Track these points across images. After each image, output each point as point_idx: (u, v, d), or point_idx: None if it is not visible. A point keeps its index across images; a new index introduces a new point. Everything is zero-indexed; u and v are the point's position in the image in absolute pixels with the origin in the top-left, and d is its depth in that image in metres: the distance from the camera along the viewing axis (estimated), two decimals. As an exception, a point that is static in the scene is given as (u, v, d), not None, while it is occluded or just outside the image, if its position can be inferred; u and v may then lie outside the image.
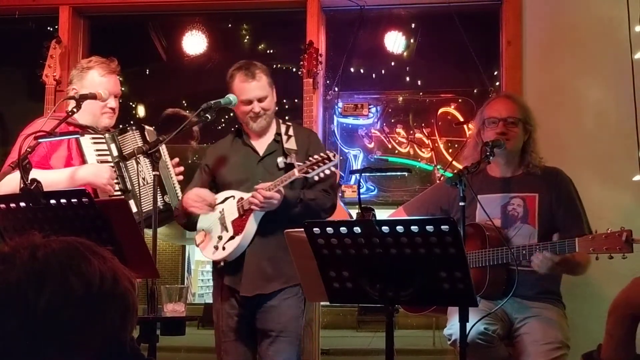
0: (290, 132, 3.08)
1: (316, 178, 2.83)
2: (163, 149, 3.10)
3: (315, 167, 2.79)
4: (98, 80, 3.01)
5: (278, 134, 3.09)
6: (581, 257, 2.78)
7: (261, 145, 3.09)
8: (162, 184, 3.03)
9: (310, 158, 2.81)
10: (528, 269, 2.82)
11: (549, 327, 2.79)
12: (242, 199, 2.94)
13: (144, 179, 2.98)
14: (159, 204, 2.89)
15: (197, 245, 3.09)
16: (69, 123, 2.88)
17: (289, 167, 2.91)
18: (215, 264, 3.06)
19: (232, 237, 2.96)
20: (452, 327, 2.72)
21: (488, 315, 2.61)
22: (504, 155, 2.95)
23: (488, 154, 2.77)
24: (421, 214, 3.10)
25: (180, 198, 3.11)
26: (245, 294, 2.96)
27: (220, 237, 2.99)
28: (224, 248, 2.96)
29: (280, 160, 2.98)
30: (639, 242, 2.56)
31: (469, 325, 2.29)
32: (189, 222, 3.08)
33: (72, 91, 3.00)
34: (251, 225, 2.93)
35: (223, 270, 3.00)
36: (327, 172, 2.81)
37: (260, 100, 3.02)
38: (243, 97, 3.02)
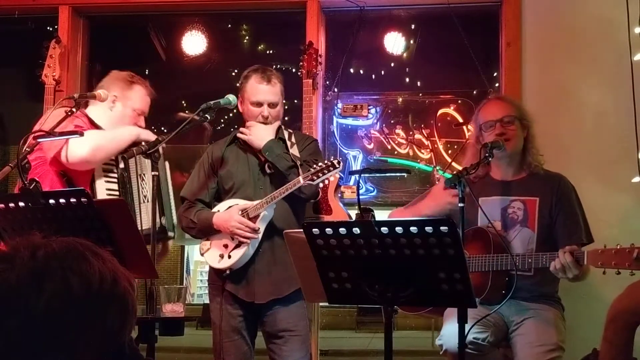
0: (293, 139, 3.09)
1: (321, 185, 2.85)
2: (166, 167, 3.12)
3: (320, 175, 2.80)
4: (143, 97, 3.16)
5: (281, 139, 3.09)
6: (586, 269, 2.75)
7: None
8: (161, 202, 3.05)
9: (315, 165, 2.82)
10: (527, 273, 2.82)
11: (544, 328, 2.78)
12: (246, 208, 2.94)
13: (145, 196, 2.98)
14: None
15: (202, 254, 3.09)
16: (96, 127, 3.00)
17: (275, 171, 2.96)
18: (218, 271, 3.05)
19: (237, 246, 2.96)
20: (443, 338, 2.72)
21: (483, 318, 2.61)
22: (506, 157, 2.95)
23: (487, 155, 2.77)
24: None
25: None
26: (260, 302, 2.96)
27: (225, 246, 2.99)
28: (229, 256, 2.96)
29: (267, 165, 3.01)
30: None
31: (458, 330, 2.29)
32: (204, 235, 3.08)
33: (112, 97, 3.09)
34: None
35: (227, 278, 3.00)
36: (332, 178, 2.83)
37: (270, 105, 3.03)
38: (255, 98, 3.03)
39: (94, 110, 3.11)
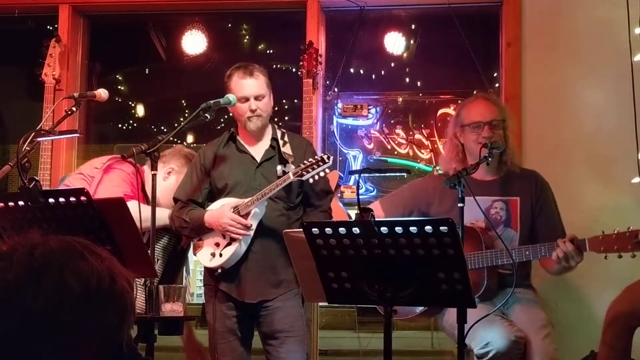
0: (286, 138, 3.09)
1: (311, 181, 2.83)
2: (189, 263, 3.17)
3: (310, 170, 2.79)
4: None
5: (274, 139, 3.08)
6: None
7: (258, 150, 3.09)
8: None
9: (305, 161, 2.82)
10: (508, 272, 2.86)
11: (531, 307, 2.86)
12: (237, 206, 2.94)
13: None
14: None
15: (195, 254, 3.07)
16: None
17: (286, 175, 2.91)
18: (210, 270, 3.04)
19: (228, 244, 2.95)
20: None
21: (491, 313, 2.62)
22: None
23: (487, 155, 2.78)
24: (398, 211, 3.14)
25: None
26: (250, 301, 2.95)
27: (217, 244, 2.98)
28: (220, 255, 2.95)
29: (279, 168, 2.96)
30: None
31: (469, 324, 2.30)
32: (196, 234, 3.06)
33: (169, 168, 3.21)
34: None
35: (220, 277, 2.99)
36: (322, 174, 2.82)
37: (257, 98, 3.02)
38: (240, 94, 3.02)
39: (149, 175, 3.10)
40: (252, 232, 2.92)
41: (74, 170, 3.78)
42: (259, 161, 3.05)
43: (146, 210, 2.70)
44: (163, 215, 3.04)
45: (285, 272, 2.93)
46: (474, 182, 3.03)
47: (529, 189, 2.98)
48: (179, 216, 3.04)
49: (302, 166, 2.81)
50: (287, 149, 3.02)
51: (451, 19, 4.15)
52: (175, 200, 3.10)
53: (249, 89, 3.02)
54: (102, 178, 3.07)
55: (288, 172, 2.86)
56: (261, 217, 2.93)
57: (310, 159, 2.81)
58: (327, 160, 2.78)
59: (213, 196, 3.10)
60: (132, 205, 2.63)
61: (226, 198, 3.02)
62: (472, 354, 2.72)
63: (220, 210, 2.95)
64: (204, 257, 3.00)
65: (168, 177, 3.20)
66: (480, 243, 2.85)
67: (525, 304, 2.88)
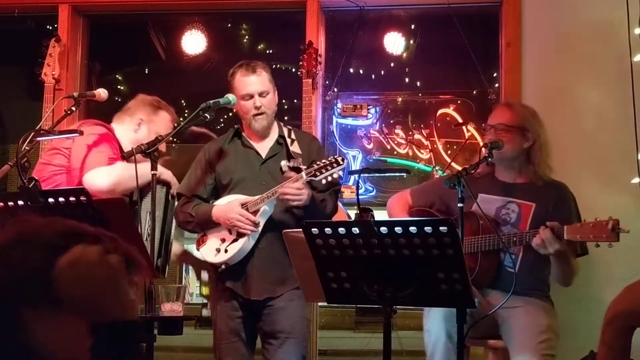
0: (293, 135, 3.08)
1: (323, 182, 2.83)
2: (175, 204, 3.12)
3: (323, 171, 2.78)
4: (167, 123, 3.21)
5: (281, 136, 3.07)
6: (575, 263, 2.86)
7: (263, 147, 3.08)
8: (161, 241, 3.03)
9: (318, 162, 2.81)
10: (511, 270, 2.86)
11: (535, 313, 2.84)
12: (246, 202, 2.93)
13: (148, 234, 2.95)
14: None
15: (198, 249, 3.06)
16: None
17: (293, 171, 2.89)
18: (214, 266, 3.03)
19: (235, 240, 2.94)
20: (429, 332, 2.77)
21: (485, 317, 2.61)
22: (500, 160, 2.98)
23: (487, 155, 2.80)
24: (423, 202, 3.16)
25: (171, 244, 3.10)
26: (256, 298, 2.94)
27: (223, 240, 2.97)
28: (226, 251, 2.93)
29: (284, 163, 2.94)
30: (624, 232, 2.63)
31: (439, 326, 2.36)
32: (201, 229, 3.04)
33: (138, 120, 3.17)
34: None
35: (224, 273, 2.99)
36: (335, 175, 2.82)
37: (261, 94, 3.01)
38: (244, 91, 3.01)
39: (119, 130, 3.13)
40: (259, 230, 2.91)
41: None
42: (264, 157, 3.05)
43: (140, 167, 2.73)
44: (146, 170, 2.92)
45: (291, 270, 2.91)
46: (495, 181, 3.08)
47: (549, 198, 2.98)
48: (183, 211, 3.02)
49: (316, 166, 2.80)
50: (295, 148, 3.01)
51: (451, 19, 4.15)
52: (179, 195, 3.09)
53: (252, 86, 3.01)
54: (91, 150, 3.02)
55: (300, 169, 2.83)
56: (269, 215, 2.92)
57: (324, 160, 2.81)
58: (341, 163, 2.79)
59: (217, 193, 3.10)
60: (126, 166, 2.72)
61: (232, 195, 3.01)
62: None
63: (228, 205, 2.94)
64: (208, 252, 2.98)
65: (139, 129, 3.16)
66: (477, 228, 2.88)
67: (531, 308, 2.85)
